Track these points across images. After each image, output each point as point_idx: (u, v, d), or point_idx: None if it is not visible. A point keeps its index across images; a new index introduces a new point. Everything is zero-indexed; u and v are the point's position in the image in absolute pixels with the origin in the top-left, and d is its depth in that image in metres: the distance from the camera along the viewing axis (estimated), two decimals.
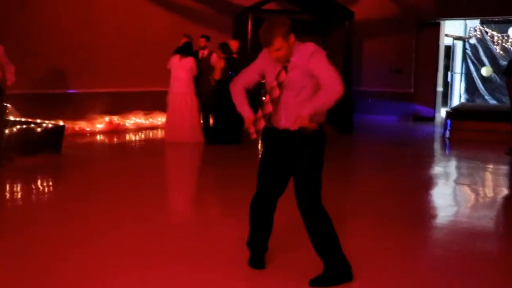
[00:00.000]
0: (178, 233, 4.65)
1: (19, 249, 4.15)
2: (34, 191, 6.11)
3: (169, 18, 11.91)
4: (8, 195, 5.93)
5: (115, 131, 10.62)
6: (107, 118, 10.69)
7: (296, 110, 3.38)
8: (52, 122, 7.94)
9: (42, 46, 9.74)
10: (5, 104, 7.91)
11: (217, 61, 9.39)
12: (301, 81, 3.43)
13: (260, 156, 3.73)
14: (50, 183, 6.58)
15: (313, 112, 3.31)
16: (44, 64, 9.78)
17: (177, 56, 9.26)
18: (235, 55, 9.82)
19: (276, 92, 3.45)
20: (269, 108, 3.48)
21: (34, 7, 9.66)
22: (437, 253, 4.39)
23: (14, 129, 7.26)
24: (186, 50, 9.29)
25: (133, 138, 10.27)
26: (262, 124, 3.52)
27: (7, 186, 6.23)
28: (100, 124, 10.56)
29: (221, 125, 9.40)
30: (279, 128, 3.54)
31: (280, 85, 3.45)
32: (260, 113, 3.51)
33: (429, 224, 5.27)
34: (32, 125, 7.58)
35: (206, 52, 9.87)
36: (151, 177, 7.02)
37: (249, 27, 11.68)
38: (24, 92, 9.28)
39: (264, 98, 3.58)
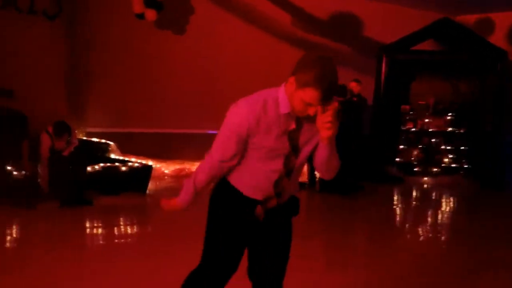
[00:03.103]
0: None
1: None
2: (104, 231, 6.00)
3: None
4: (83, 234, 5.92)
5: None
6: None
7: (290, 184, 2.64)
8: (143, 161, 7.86)
9: (167, 88, 10.01)
10: (108, 141, 8.21)
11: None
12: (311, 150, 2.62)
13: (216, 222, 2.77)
14: (121, 224, 6.41)
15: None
16: (166, 105, 10.01)
17: None
18: (355, 98, 9.08)
19: (293, 161, 2.58)
20: (286, 182, 2.60)
21: (160, 52, 9.98)
22: None
23: (97, 167, 7.08)
24: None
25: None
26: (274, 202, 2.64)
27: (86, 224, 6.26)
28: None
29: None
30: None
31: (295, 149, 2.55)
32: (272, 190, 2.61)
33: None
34: (117, 164, 7.40)
35: None
36: None
37: (383, 69, 10.68)
38: (145, 131, 9.60)
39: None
